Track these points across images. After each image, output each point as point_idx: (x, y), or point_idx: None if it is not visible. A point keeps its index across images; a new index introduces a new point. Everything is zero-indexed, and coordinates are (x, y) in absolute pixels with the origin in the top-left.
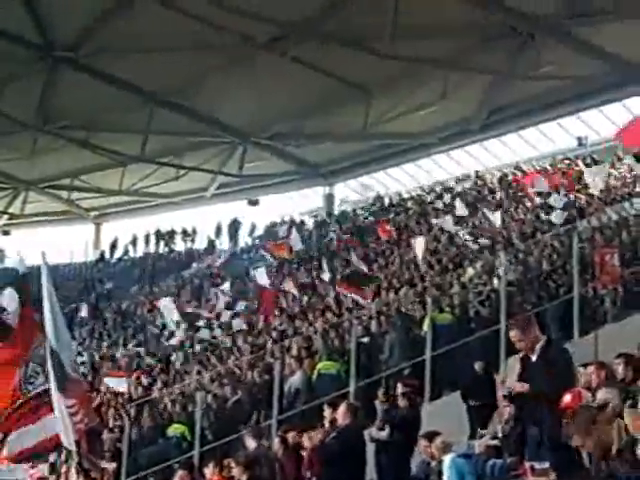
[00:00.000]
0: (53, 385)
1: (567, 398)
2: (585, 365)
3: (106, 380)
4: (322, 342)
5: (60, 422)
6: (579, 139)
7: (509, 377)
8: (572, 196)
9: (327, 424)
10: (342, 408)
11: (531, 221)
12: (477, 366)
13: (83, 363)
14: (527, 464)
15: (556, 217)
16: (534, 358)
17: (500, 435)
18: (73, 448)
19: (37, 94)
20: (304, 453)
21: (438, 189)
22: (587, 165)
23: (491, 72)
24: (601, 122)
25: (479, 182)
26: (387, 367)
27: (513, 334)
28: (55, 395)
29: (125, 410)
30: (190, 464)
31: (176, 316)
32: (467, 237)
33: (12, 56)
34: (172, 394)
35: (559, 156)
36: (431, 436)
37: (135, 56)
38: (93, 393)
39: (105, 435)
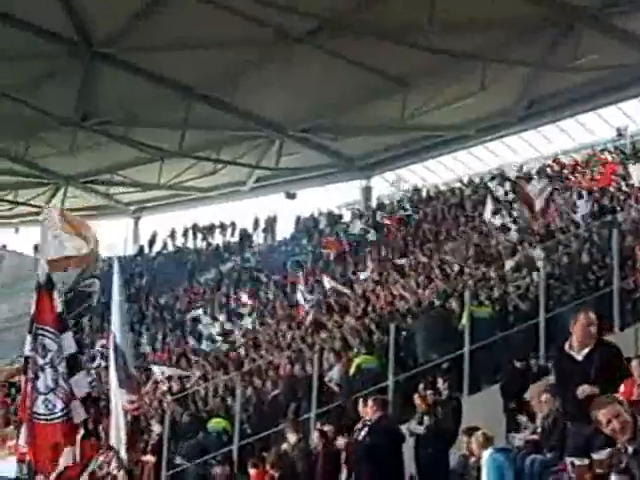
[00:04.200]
0: (114, 381)
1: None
2: (629, 359)
3: (154, 368)
4: (357, 337)
5: (113, 423)
6: (618, 130)
7: None
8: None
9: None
10: (370, 404)
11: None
12: (519, 364)
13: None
14: (567, 460)
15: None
16: None
17: (539, 430)
18: (123, 447)
19: (76, 90)
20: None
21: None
22: (626, 156)
23: (529, 64)
24: None
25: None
26: (426, 361)
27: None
28: (116, 391)
29: (166, 403)
30: (229, 459)
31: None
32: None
33: (50, 53)
34: (211, 387)
35: (598, 147)
36: (471, 431)
37: (173, 51)
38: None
39: (147, 429)
